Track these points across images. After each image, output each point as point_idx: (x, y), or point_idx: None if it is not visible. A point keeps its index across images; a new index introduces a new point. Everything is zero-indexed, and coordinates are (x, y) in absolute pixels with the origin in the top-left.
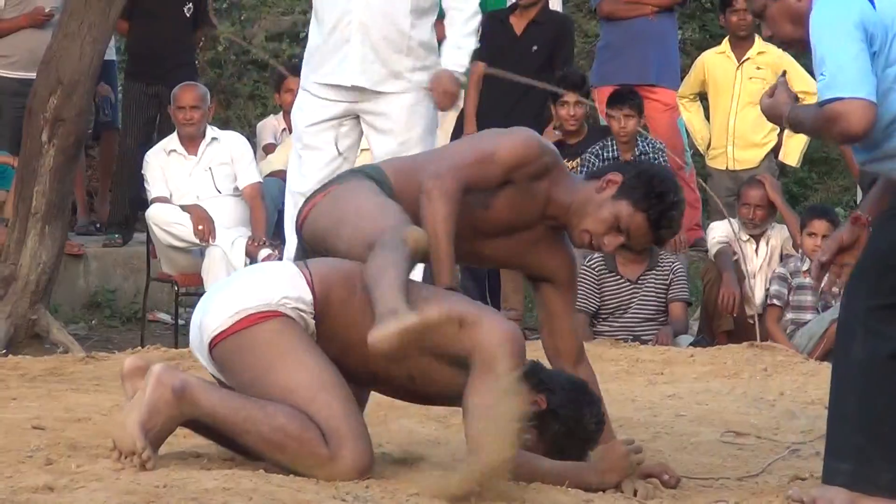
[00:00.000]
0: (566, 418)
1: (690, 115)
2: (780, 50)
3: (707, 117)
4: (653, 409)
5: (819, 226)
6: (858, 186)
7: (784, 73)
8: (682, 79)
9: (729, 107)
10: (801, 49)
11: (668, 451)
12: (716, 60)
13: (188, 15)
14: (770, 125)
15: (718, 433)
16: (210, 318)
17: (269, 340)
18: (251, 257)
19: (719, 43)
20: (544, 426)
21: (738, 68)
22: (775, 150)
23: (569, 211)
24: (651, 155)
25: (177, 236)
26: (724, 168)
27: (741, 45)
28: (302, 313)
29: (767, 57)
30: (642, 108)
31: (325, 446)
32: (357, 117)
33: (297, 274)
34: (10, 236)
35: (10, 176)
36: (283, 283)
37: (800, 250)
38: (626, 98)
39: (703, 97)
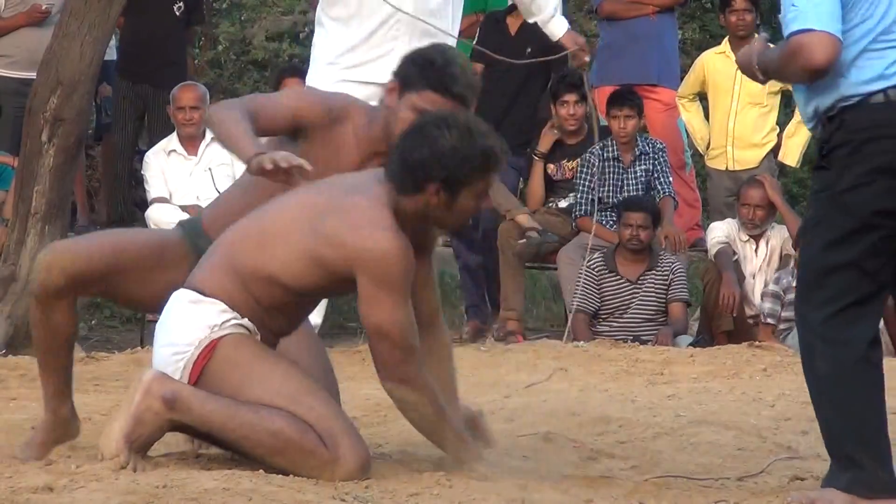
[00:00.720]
0: (455, 172)
1: (690, 115)
2: None
3: (706, 117)
4: (653, 410)
5: None
6: None
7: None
8: (682, 78)
9: (729, 107)
10: None
11: (668, 451)
12: (715, 60)
13: (178, 14)
14: (767, 124)
15: (718, 433)
16: None
17: (225, 371)
18: None
19: (719, 43)
20: (450, 197)
21: (738, 69)
22: (775, 151)
23: (381, 139)
24: (651, 155)
25: None
26: (723, 168)
27: (741, 45)
28: (232, 321)
29: None
30: (642, 108)
31: (325, 448)
32: None
33: (192, 294)
34: (10, 236)
35: (10, 176)
36: (195, 312)
37: (790, 264)
38: (625, 98)
39: (702, 97)
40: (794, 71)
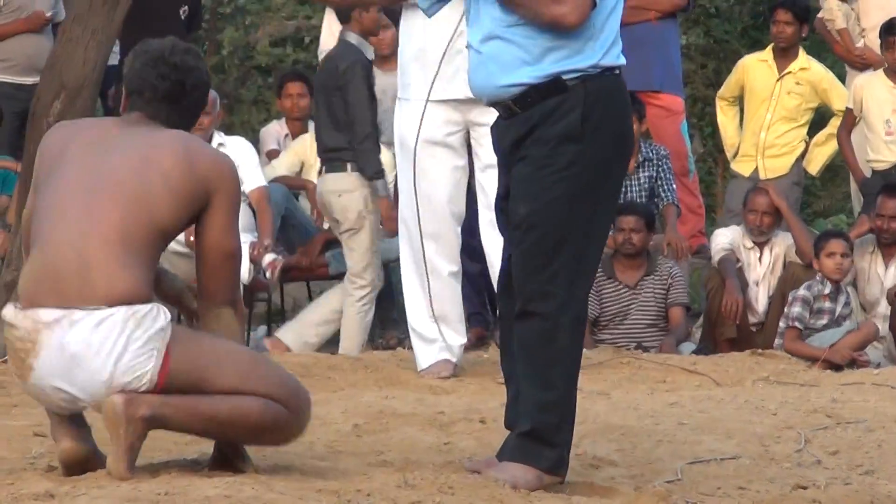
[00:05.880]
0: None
1: (726, 119)
2: (824, 68)
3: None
4: (655, 417)
5: (836, 245)
6: (860, 192)
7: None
8: (684, 84)
9: (763, 118)
10: None
11: (670, 459)
12: (757, 67)
13: (183, 17)
14: (798, 136)
15: (720, 441)
16: None
17: (186, 363)
18: (255, 263)
19: (724, 48)
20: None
21: (778, 80)
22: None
23: None
24: (655, 161)
25: (178, 240)
26: (748, 174)
27: (784, 56)
28: (168, 316)
29: (809, 74)
30: (643, 113)
31: (290, 412)
32: (466, 131)
33: (118, 309)
34: (13, 242)
35: (13, 181)
36: (141, 325)
37: (818, 274)
38: None
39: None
40: (546, 16)
